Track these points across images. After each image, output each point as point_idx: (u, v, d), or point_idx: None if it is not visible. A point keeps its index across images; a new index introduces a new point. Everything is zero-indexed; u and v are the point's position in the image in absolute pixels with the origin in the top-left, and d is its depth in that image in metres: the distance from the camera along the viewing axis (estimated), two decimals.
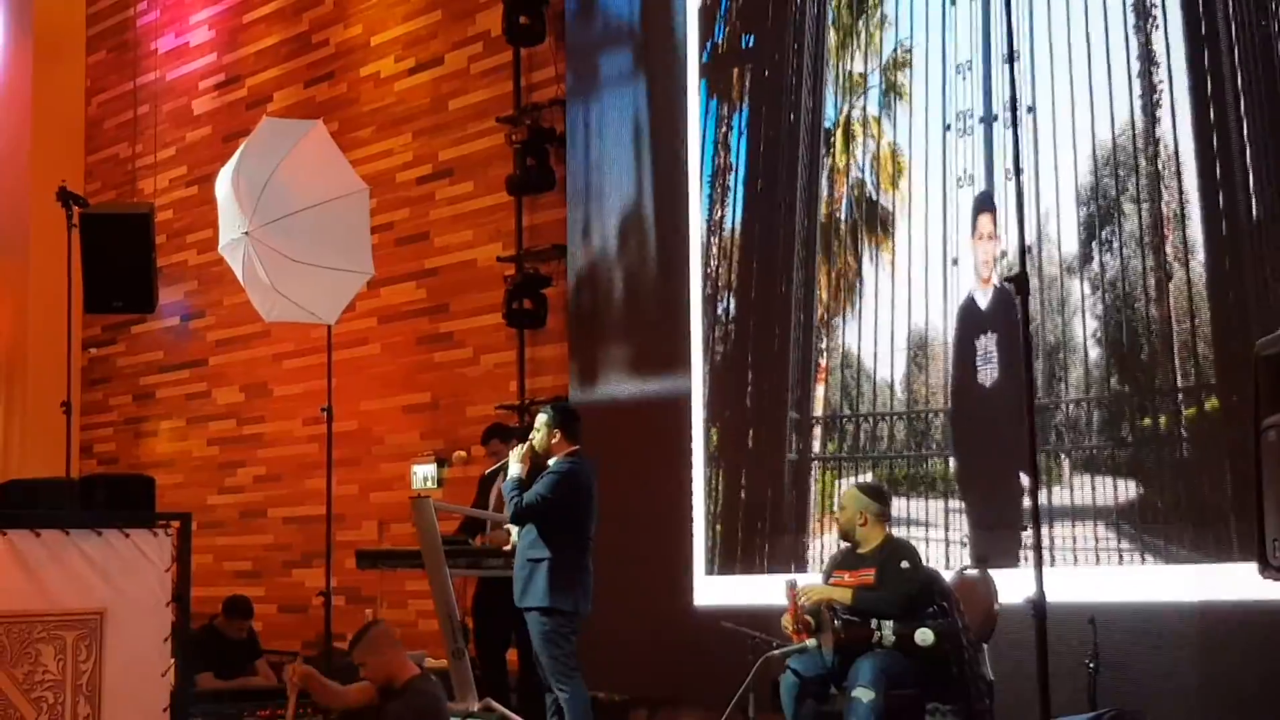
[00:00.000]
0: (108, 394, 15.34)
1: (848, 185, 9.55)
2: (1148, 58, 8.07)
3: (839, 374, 9.45)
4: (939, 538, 7.89)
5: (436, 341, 11.83)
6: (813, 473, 9.52)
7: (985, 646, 7.17)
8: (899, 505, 8.55)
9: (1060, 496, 8.15)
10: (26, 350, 14.88)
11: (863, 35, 9.58)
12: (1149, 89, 8.04)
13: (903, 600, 6.90)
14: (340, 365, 10.25)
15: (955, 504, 8.49)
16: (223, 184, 8.90)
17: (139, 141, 14.97)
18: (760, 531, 9.76)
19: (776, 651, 7.57)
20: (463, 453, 10.41)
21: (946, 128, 9.00)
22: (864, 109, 9.52)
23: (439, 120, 12.00)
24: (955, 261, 8.83)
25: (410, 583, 10.81)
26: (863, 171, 9.48)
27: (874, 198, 9.39)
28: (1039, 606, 5.46)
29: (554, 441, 7.75)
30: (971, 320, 8.71)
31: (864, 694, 6.63)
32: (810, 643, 7.07)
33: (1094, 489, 8.03)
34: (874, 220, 9.35)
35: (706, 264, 10.17)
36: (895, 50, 9.37)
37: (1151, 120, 8.02)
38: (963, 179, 8.80)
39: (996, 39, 8.78)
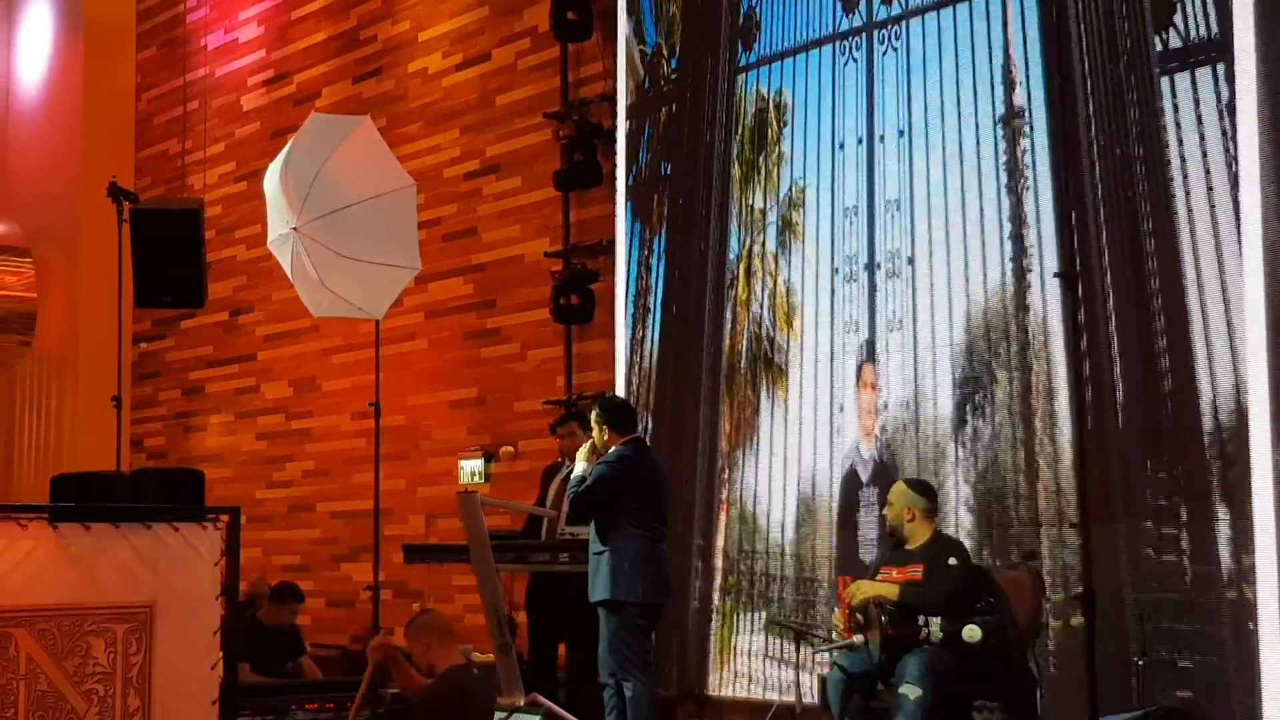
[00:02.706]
0: (157, 388, 15.42)
1: (749, 319, 9.69)
2: (1018, 219, 8.07)
3: (739, 506, 9.52)
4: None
5: (484, 337, 11.85)
6: (714, 602, 9.59)
7: (1033, 643, 7.15)
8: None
9: None
10: (77, 345, 14.99)
11: (763, 171, 9.71)
12: (1020, 252, 8.04)
13: (950, 597, 6.88)
14: (388, 360, 10.27)
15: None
16: (271, 180, 8.93)
17: (188, 137, 15.03)
18: (669, 648, 9.77)
19: (824, 648, 7.57)
20: (510, 448, 10.43)
21: (835, 271, 9.08)
22: (764, 244, 9.66)
23: (486, 116, 12.02)
24: (842, 408, 8.90)
25: (457, 577, 10.83)
26: (761, 307, 9.61)
27: (771, 335, 9.51)
28: (1088, 603, 5.43)
29: (606, 437, 7.79)
30: (853, 491, 8.76)
31: (911, 691, 6.62)
32: (857, 639, 7.06)
33: None
34: (770, 358, 9.49)
35: (630, 382, 10.38)
36: (791, 189, 9.49)
37: (1022, 284, 8.01)
38: (849, 325, 8.85)
39: (880, 187, 8.87)
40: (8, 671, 5.88)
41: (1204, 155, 7.28)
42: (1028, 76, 8.14)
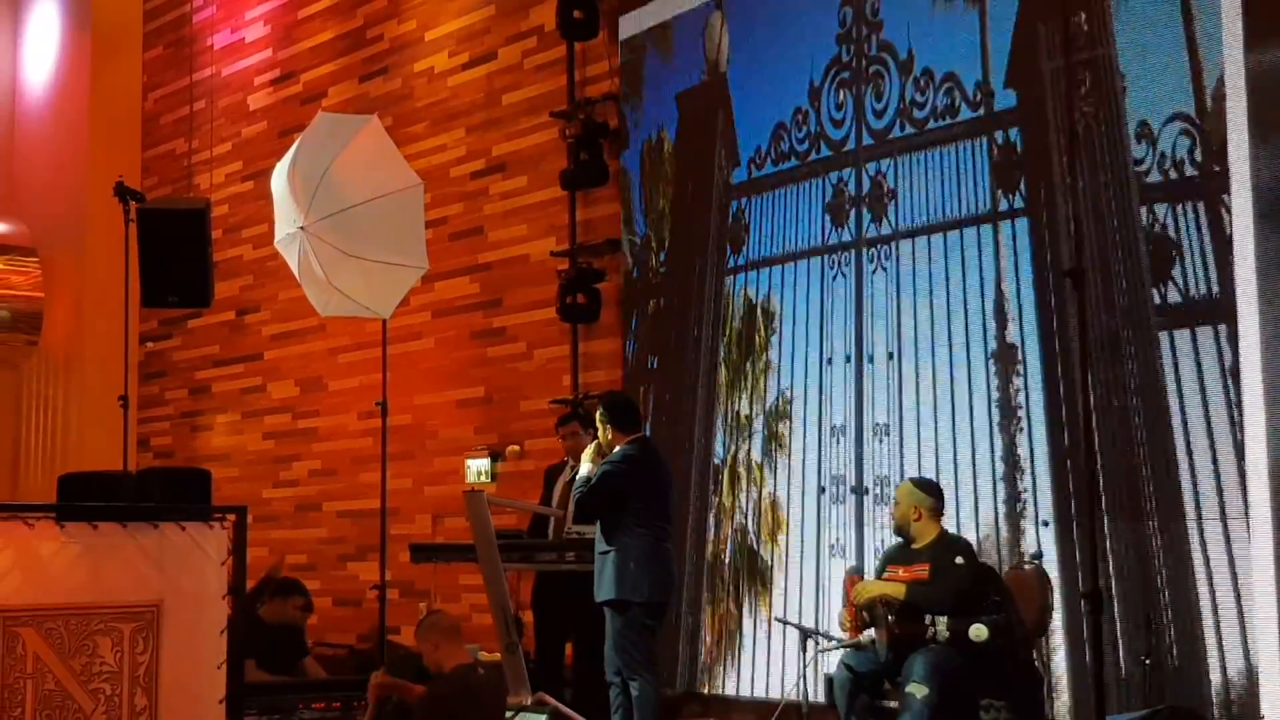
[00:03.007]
0: (164, 388, 15.43)
1: (732, 528, 9.58)
2: (1011, 461, 7.94)
3: None
4: None
5: (490, 336, 11.85)
6: None
7: (1039, 642, 7.14)
8: None
9: None
10: (84, 344, 15.00)
11: (749, 377, 9.65)
12: (1013, 496, 7.92)
13: (956, 596, 6.88)
14: (394, 360, 10.28)
15: None
16: (278, 179, 8.92)
17: (195, 137, 15.04)
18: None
19: (830, 647, 7.56)
20: (516, 447, 10.44)
21: (821, 490, 8.94)
22: (749, 452, 9.56)
23: (492, 115, 12.02)
24: (828, 636, 8.57)
25: (464, 576, 10.84)
26: (745, 517, 9.50)
27: (754, 547, 9.40)
28: (1095, 602, 5.42)
29: (610, 436, 7.80)
30: None
31: (918, 690, 6.62)
32: (864, 638, 7.06)
33: None
34: (754, 570, 9.37)
35: None
36: (778, 399, 9.42)
37: (1015, 531, 7.87)
38: (835, 548, 8.63)
39: (868, 409, 8.78)
40: (15, 670, 5.89)
41: (1207, 419, 7.12)
42: (1020, 314, 8.03)
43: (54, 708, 5.95)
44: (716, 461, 9.77)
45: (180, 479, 7.53)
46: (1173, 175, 7.36)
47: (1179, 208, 7.32)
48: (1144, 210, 7.46)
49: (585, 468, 7.82)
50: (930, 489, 7.32)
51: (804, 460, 9.14)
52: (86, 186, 15.00)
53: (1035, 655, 7.26)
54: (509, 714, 7.92)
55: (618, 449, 7.75)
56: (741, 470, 9.58)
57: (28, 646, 5.92)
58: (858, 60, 9.13)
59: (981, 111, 8.35)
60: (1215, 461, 7.06)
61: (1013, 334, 8.05)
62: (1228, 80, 7.12)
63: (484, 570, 8.58)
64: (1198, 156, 7.26)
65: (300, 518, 13.51)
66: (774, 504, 9.32)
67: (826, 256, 9.21)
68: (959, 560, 6.99)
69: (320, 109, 12.51)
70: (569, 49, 11.34)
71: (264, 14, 14.60)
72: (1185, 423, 7.19)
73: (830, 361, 9.08)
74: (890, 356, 8.68)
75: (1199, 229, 7.22)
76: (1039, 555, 7.68)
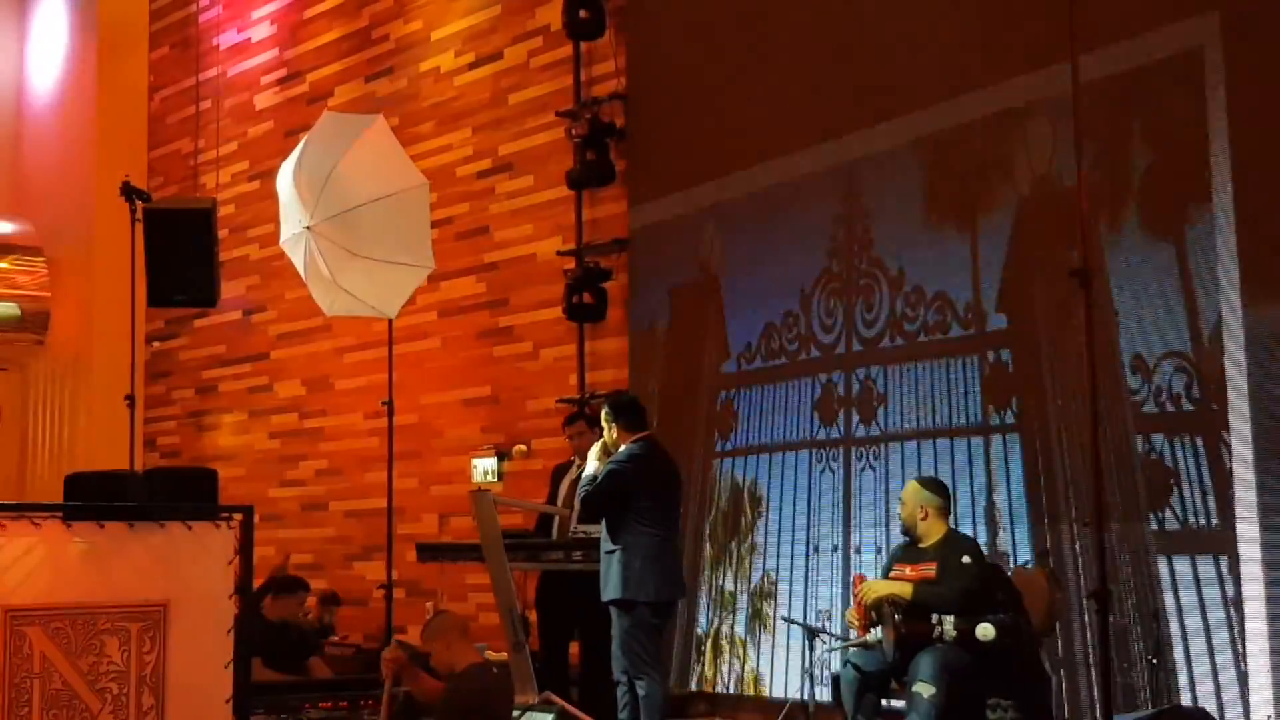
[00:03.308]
0: (170, 387, 15.44)
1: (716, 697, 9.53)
2: None
3: None
4: None
5: (496, 335, 11.85)
6: None
7: (1046, 642, 7.13)
8: None
9: None
10: (91, 344, 15.01)
11: (734, 555, 9.66)
12: None
13: (963, 595, 6.87)
14: (401, 359, 10.27)
15: None
16: (284, 179, 8.92)
17: (201, 137, 15.07)
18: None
19: (837, 646, 7.55)
20: (522, 446, 10.43)
21: (805, 672, 8.78)
22: (732, 627, 9.57)
23: (499, 115, 12.02)
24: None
25: (470, 576, 10.84)
26: (728, 689, 9.49)
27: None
28: (1102, 601, 5.41)
29: (616, 436, 7.79)
30: None
31: (924, 689, 6.61)
32: (871, 637, 7.05)
33: None
34: None
35: None
36: (763, 579, 9.41)
37: None
38: None
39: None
40: (22, 670, 5.89)
41: (1210, 648, 7.04)
42: (1012, 524, 7.99)
43: (61, 707, 5.94)
44: (700, 632, 9.80)
45: (187, 479, 7.51)
46: (1169, 408, 7.32)
47: (1176, 440, 7.28)
48: (1139, 439, 7.43)
49: (591, 466, 7.80)
50: (937, 488, 7.32)
51: (788, 640, 9.13)
52: (93, 186, 15.03)
53: (1042, 655, 7.25)
54: (516, 713, 7.92)
55: (624, 448, 7.74)
56: (724, 644, 9.61)
57: (34, 646, 5.92)
58: (848, 273, 9.18)
59: (973, 331, 8.37)
60: (1218, 691, 7.01)
61: (1004, 542, 8.03)
62: (1225, 325, 7.10)
63: (490, 569, 8.58)
64: (1195, 393, 7.22)
65: (306, 517, 13.52)
66: (756, 679, 9.34)
67: (814, 451, 9.27)
68: (966, 559, 6.98)
69: (326, 109, 12.52)
70: (575, 48, 11.35)
71: (270, 14, 14.62)
72: (1187, 649, 7.15)
73: (817, 549, 9.11)
74: (879, 551, 8.66)
75: (1198, 462, 7.18)
76: (1045, 555, 7.68)
